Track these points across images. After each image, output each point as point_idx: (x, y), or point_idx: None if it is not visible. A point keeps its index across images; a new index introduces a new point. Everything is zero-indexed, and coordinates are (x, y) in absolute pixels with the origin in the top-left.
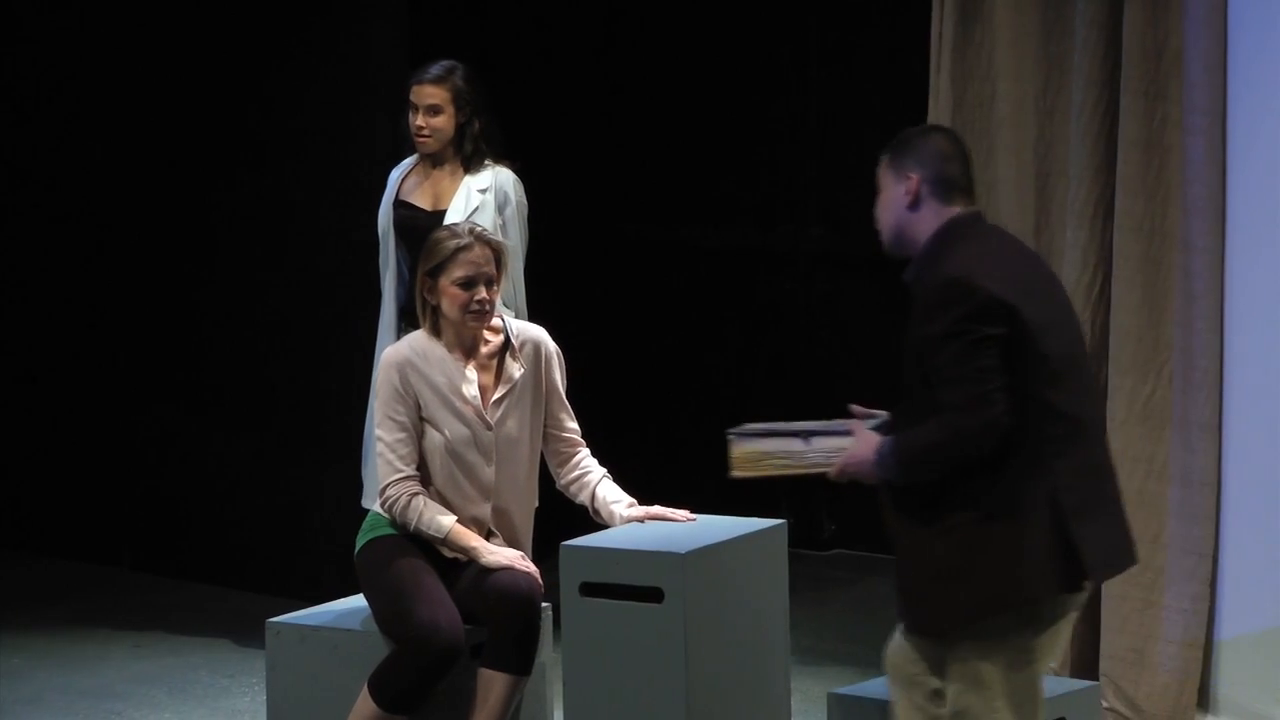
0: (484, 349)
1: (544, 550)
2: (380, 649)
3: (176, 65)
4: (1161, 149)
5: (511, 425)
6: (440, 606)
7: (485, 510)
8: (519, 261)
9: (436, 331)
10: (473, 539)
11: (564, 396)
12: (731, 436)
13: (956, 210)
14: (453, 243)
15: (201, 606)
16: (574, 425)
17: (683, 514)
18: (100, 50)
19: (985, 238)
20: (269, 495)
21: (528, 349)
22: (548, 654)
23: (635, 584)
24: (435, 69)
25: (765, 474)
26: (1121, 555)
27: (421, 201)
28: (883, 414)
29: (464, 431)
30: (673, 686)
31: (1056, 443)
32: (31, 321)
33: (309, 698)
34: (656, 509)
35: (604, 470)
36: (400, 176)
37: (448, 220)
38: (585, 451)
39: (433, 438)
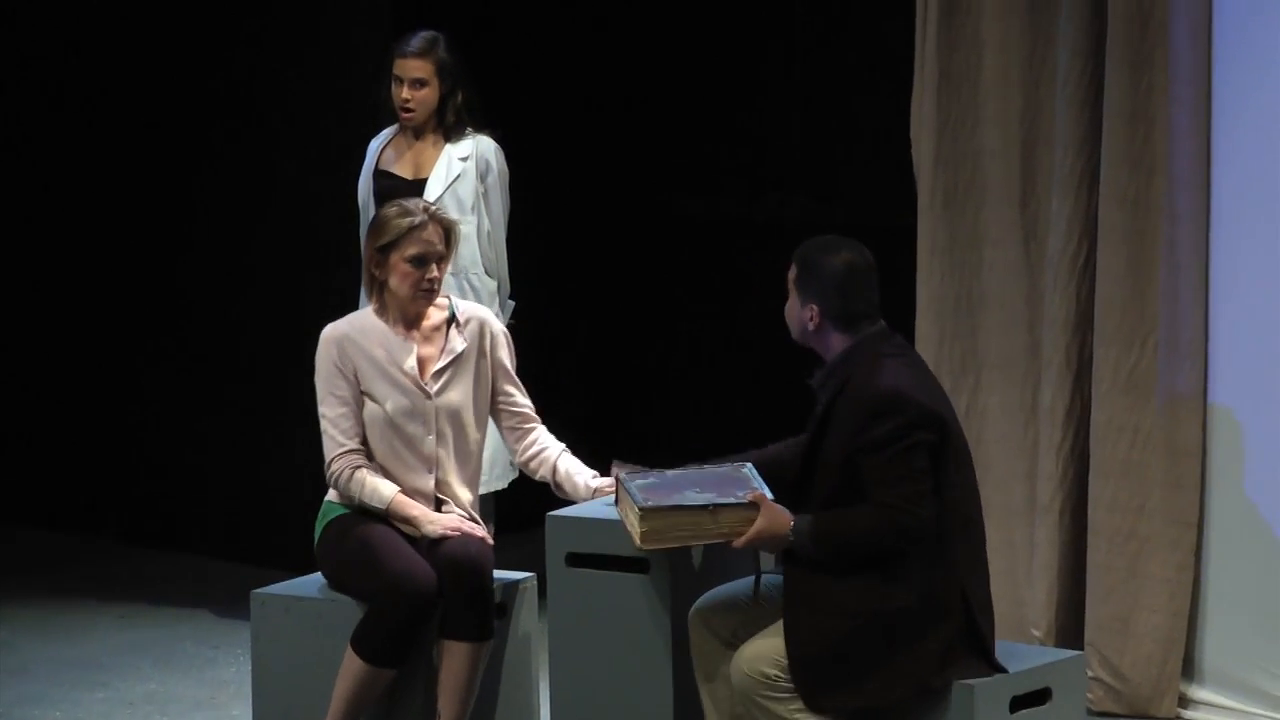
0: (427, 322)
1: (528, 521)
2: None
3: (158, 32)
4: (1147, 119)
5: (454, 396)
6: (410, 557)
7: (429, 482)
8: (501, 230)
9: (381, 305)
10: (414, 508)
11: (513, 374)
12: (641, 512)
13: (862, 332)
14: (406, 220)
15: (186, 577)
16: (526, 401)
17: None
18: (82, 15)
19: (896, 355)
20: (253, 466)
21: (472, 325)
22: (533, 624)
23: (621, 554)
24: (418, 41)
25: (670, 546)
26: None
27: (402, 171)
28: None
29: (403, 402)
30: (658, 656)
31: (959, 541)
32: (12, 292)
33: (294, 667)
34: None
35: (562, 445)
36: (380, 147)
37: (430, 189)
38: (541, 428)
39: (372, 410)
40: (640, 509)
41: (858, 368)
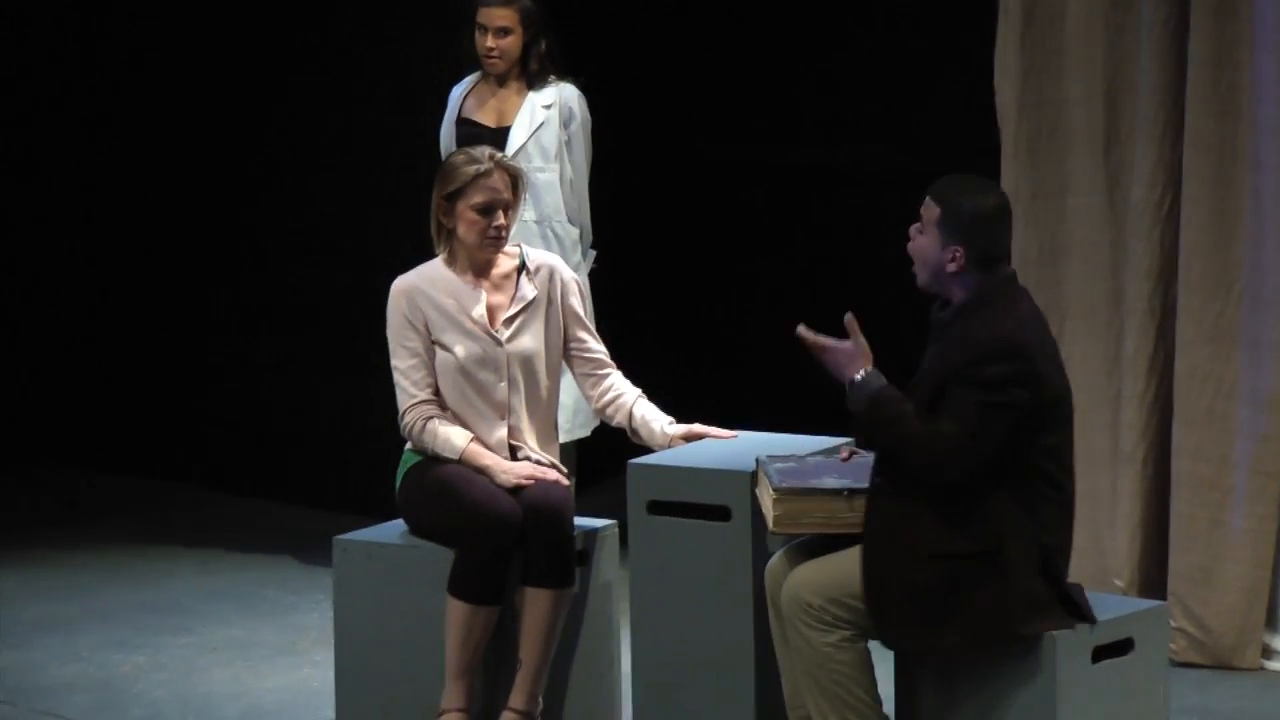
0: (496, 270)
1: (610, 469)
2: (446, 562)
3: None
4: (1231, 67)
5: (526, 342)
6: (490, 489)
7: (502, 430)
8: (584, 178)
9: (450, 254)
10: (487, 457)
11: (585, 320)
12: (776, 493)
13: (998, 272)
14: (472, 168)
15: (268, 524)
16: (600, 347)
17: (725, 432)
18: None
19: (1022, 302)
20: (335, 411)
21: (542, 273)
22: (614, 572)
23: (703, 502)
24: None
25: (803, 531)
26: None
27: (485, 119)
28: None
29: (475, 350)
30: (740, 604)
31: (1046, 501)
32: (95, 242)
33: (376, 614)
34: (698, 426)
35: (638, 390)
36: (462, 95)
37: (513, 137)
38: (616, 373)
39: (444, 359)
40: (775, 490)
41: (991, 309)
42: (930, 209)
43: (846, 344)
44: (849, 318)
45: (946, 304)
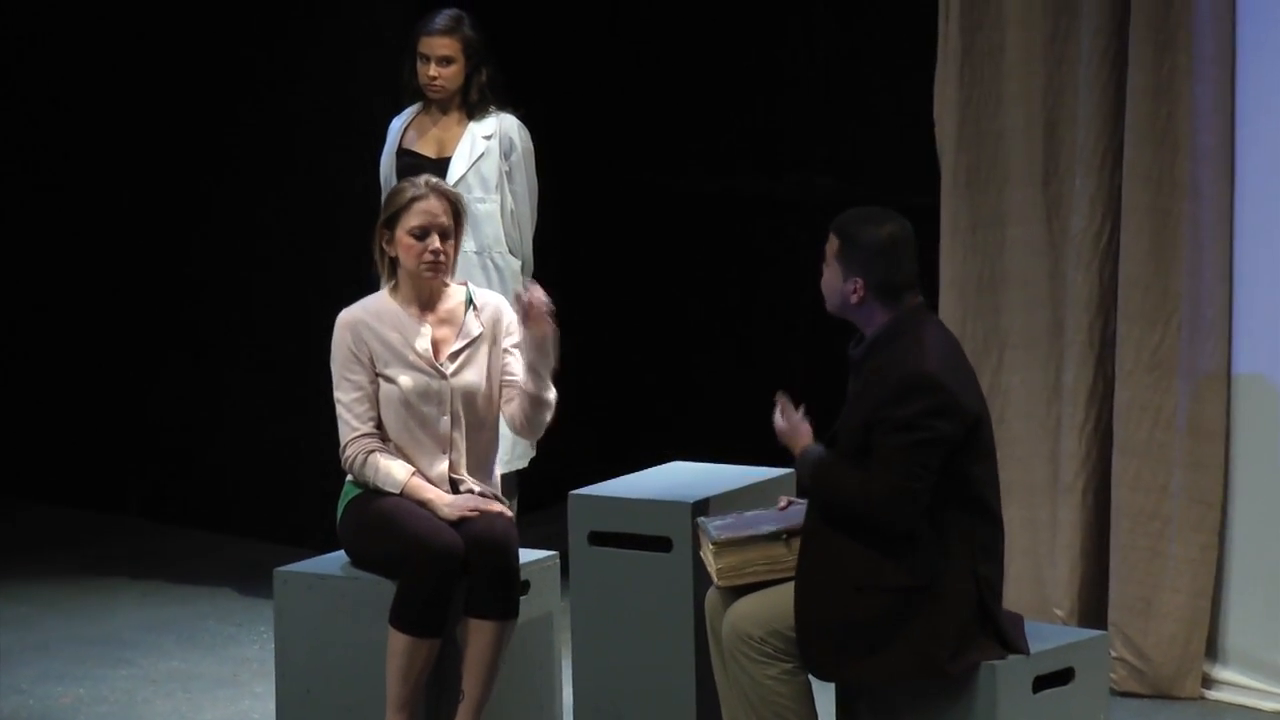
0: (443, 304)
1: (550, 500)
2: (388, 594)
3: (177, 11)
4: (1170, 97)
5: (469, 377)
6: (432, 520)
7: (444, 463)
8: (526, 208)
9: (395, 286)
10: (428, 490)
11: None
12: (715, 547)
13: (905, 304)
14: (409, 193)
15: (209, 555)
16: (519, 369)
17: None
18: None
19: (935, 334)
20: (277, 442)
21: (488, 310)
22: (555, 603)
23: (644, 533)
24: (444, 19)
25: (749, 581)
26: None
27: (426, 150)
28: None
29: (418, 383)
30: (681, 635)
31: (975, 527)
32: (33, 268)
33: (317, 645)
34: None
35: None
36: (402, 126)
37: (453, 167)
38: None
39: (388, 391)
40: (714, 543)
41: (899, 343)
42: (831, 242)
43: (792, 420)
44: (780, 398)
45: (862, 338)
